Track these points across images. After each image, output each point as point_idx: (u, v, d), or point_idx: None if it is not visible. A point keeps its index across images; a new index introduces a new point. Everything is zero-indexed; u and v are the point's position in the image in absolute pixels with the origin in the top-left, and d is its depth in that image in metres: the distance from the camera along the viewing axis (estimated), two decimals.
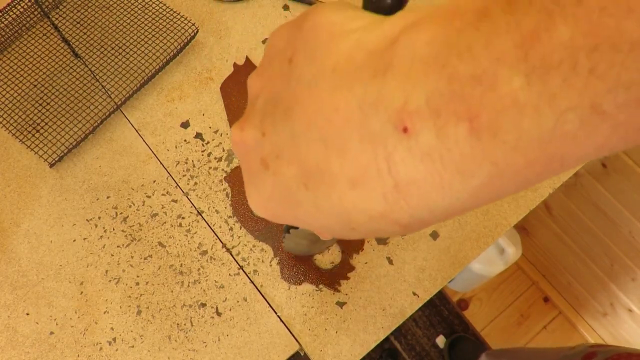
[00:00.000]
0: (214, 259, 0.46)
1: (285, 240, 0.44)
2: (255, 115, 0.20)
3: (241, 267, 0.46)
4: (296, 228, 0.39)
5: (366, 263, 0.46)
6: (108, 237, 0.47)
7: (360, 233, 0.19)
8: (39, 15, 0.54)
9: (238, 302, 0.44)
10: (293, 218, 0.20)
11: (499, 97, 0.12)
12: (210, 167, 0.49)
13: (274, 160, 0.19)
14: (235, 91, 0.52)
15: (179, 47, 0.51)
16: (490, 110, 0.12)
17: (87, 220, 0.47)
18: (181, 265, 0.46)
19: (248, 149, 0.20)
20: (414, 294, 0.45)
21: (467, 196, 0.15)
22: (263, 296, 0.45)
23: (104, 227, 0.47)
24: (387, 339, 1.39)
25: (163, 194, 0.48)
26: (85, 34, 0.53)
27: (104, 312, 0.44)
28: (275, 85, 0.18)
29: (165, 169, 0.49)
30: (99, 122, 0.49)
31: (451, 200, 0.15)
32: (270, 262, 0.46)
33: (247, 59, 0.53)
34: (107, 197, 0.48)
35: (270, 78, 0.19)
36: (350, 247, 0.46)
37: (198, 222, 0.47)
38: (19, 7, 0.52)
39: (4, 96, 0.50)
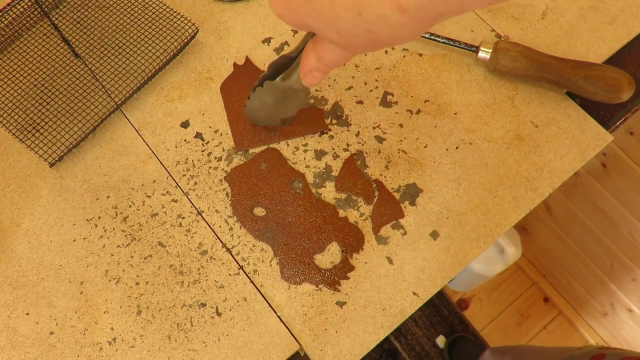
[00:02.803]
0: (214, 258, 0.46)
1: (250, 98, 0.44)
2: None
3: (241, 267, 0.46)
4: (273, 79, 0.40)
5: (366, 263, 0.46)
6: (108, 237, 0.47)
7: (364, 23, 0.21)
8: (39, 15, 0.54)
9: (238, 302, 0.45)
10: (309, 10, 0.24)
11: None
12: (210, 167, 0.49)
13: None
14: (235, 91, 0.52)
15: (179, 47, 0.51)
16: None
17: (87, 220, 0.47)
18: (181, 265, 0.46)
19: None
20: (414, 293, 0.45)
21: None
22: (263, 296, 0.45)
23: (104, 227, 0.47)
24: (387, 339, 1.39)
25: (163, 194, 0.48)
26: (85, 34, 0.53)
27: (104, 312, 0.44)
28: None
29: (165, 168, 0.49)
30: (99, 122, 0.49)
31: None
32: (270, 262, 0.46)
33: (247, 59, 0.53)
34: (107, 197, 0.48)
35: None
36: (351, 247, 0.46)
37: (198, 222, 0.47)
38: (19, 7, 0.52)
39: (4, 96, 0.50)
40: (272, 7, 0.26)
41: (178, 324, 0.44)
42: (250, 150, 0.50)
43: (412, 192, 0.48)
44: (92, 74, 0.52)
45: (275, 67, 0.40)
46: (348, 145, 0.50)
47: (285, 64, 0.39)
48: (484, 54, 0.50)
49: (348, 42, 0.24)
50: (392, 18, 0.20)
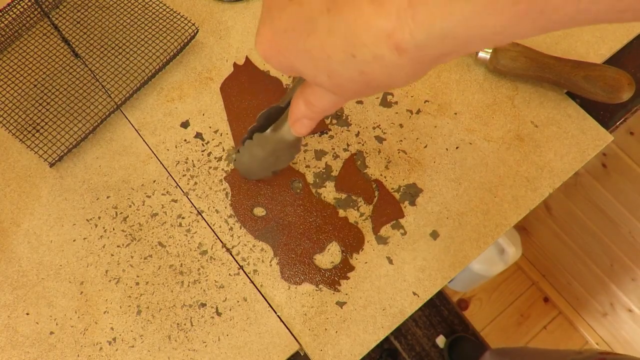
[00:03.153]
0: (214, 258, 0.46)
1: (240, 151, 0.43)
2: None
3: (241, 267, 0.46)
4: (263, 130, 0.38)
5: (366, 263, 0.46)
6: (108, 237, 0.47)
7: (358, 64, 0.20)
8: (39, 15, 0.54)
9: (238, 302, 0.45)
10: (298, 51, 0.22)
11: None
12: (210, 167, 0.49)
13: None
14: (235, 91, 0.52)
15: (179, 47, 0.51)
16: None
17: (87, 220, 0.47)
18: (181, 265, 0.46)
19: None
20: (414, 293, 0.45)
21: (463, 21, 0.17)
22: (263, 296, 0.45)
23: (104, 227, 0.47)
24: (387, 339, 1.39)
25: (163, 194, 0.48)
26: (85, 34, 0.53)
27: (104, 312, 0.44)
28: None
29: (165, 168, 0.49)
30: (99, 122, 0.49)
31: (450, 23, 0.17)
32: (270, 262, 0.46)
33: (247, 59, 0.53)
34: (107, 197, 0.48)
35: None
36: (351, 247, 0.46)
37: (198, 222, 0.47)
38: (19, 7, 0.52)
39: (4, 96, 0.50)
40: (258, 49, 0.24)
41: (178, 324, 0.44)
42: None
43: (412, 192, 0.48)
44: (92, 74, 0.52)
45: (265, 118, 0.38)
46: (348, 145, 0.50)
47: (275, 114, 0.37)
48: (484, 54, 0.50)
49: (339, 86, 0.22)
50: (389, 59, 0.18)
